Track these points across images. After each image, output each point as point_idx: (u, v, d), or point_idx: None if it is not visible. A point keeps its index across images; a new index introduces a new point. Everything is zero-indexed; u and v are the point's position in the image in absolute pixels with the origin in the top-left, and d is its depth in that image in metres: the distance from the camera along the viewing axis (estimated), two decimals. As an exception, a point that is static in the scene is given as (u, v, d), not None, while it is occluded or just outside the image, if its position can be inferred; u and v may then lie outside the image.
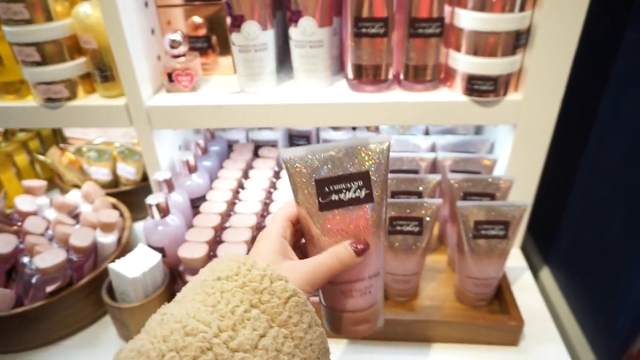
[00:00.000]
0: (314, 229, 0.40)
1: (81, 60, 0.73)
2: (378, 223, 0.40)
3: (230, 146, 0.96)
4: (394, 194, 0.71)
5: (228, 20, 0.68)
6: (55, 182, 0.98)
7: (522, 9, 0.61)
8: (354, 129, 0.93)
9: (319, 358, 0.35)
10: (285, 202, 0.42)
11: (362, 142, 0.41)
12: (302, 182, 0.40)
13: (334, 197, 0.39)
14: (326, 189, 0.39)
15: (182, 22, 0.78)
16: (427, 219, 0.65)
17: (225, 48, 0.80)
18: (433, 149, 0.82)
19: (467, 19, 0.63)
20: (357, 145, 0.40)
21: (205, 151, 0.88)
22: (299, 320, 0.34)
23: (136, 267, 0.66)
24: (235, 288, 0.33)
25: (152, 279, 0.68)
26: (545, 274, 0.82)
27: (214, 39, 0.79)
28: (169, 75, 0.74)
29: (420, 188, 0.71)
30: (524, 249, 0.84)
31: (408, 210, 0.65)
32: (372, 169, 0.40)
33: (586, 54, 0.66)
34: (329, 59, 0.72)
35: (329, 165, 0.40)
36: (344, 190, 0.39)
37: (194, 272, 0.67)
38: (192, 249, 0.67)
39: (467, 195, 0.70)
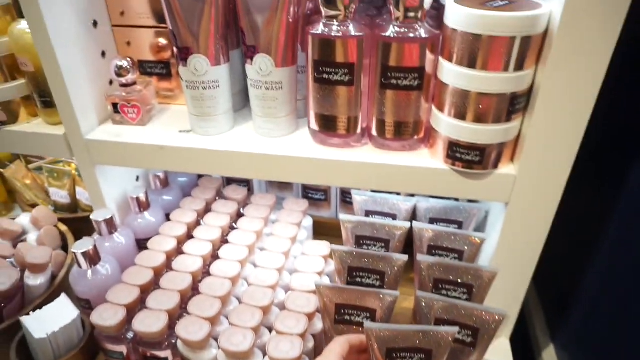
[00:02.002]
0: None
1: (22, 81, 0.66)
2: None
3: (200, 177, 0.87)
4: (352, 270, 0.60)
5: (174, 51, 0.58)
6: (17, 197, 0.93)
7: (520, 67, 0.48)
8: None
9: None
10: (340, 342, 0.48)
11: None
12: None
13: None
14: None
15: (145, 43, 0.69)
16: (383, 309, 0.54)
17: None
18: (414, 213, 0.70)
19: (452, 75, 0.51)
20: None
21: (166, 184, 0.79)
22: None
23: (49, 323, 0.59)
24: None
25: (66, 338, 0.60)
26: (550, 353, 0.69)
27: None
28: (114, 106, 0.65)
29: (384, 268, 0.59)
30: (522, 330, 0.70)
31: (357, 300, 0.54)
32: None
33: (602, 116, 0.52)
34: (290, 102, 0.61)
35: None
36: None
37: (111, 340, 0.59)
38: (109, 312, 0.58)
39: (438, 283, 0.58)
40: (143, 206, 0.73)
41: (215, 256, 0.68)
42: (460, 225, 0.68)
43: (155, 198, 0.78)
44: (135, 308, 0.60)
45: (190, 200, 0.77)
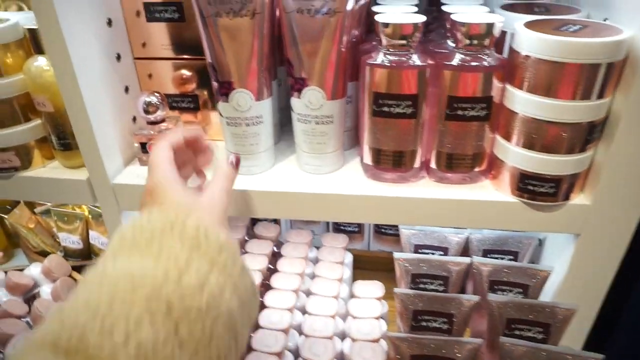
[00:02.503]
0: None
1: (37, 121, 0.60)
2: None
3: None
4: (417, 313, 0.55)
5: (214, 85, 0.53)
6: (21, 243, 0.85)
7: (601, 94, 0.45)
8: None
9: (251, 299, 0.38)
10: (161, 149, 0.44)
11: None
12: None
13: None
14: None
15: (168, 75, 0.64)
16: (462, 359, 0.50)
17: (207, 107, 0.65)
18: (467, 245, 0.66)
19: (526, 103, 0.47)
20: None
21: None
22: (233, 264, 0.36)
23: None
24: (173, 241, 0.34)
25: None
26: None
27: (204, 95, 0.65)
28: (142, 145, 0.60)
29: (453, 310, 0.55)
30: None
31: (435, 349, 0.50)
32: None
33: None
34: (340, 136, 0.57)
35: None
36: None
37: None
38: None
39: (511, 323, 0.54)
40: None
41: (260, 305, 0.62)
42: (515, 256, 0.65)
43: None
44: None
45: (220, 241, 0.71)
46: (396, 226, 0.80)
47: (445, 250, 0.66)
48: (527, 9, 0.56)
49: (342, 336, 0.58)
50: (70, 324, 0.28)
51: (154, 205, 0.41)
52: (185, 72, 0.64)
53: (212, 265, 0.34)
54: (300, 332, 0.57)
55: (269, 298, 0.61)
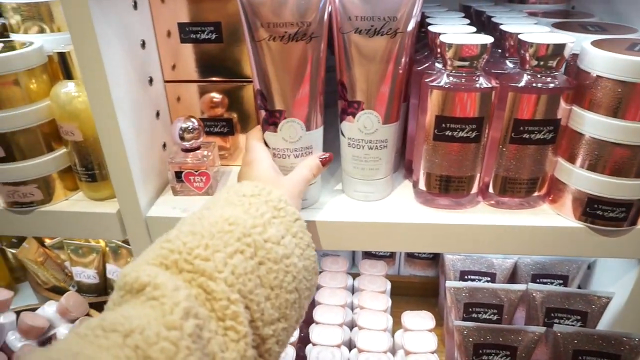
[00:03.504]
0: None
1: (61, 151, 0.55)
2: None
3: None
4: (478, 347, 0.52)
5: (262, 114, 0.50)
6: (29, 278, 0.79)
7: (676, 115, 0.44)
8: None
9: (312, 272, 0.41)
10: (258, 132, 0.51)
11: None
12: None
13: None
14: None
15: (196, 97, 0.61)
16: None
17: (247, 128, 0.62)
18: (514, 270, 0.64)
19: (592, 125, 0.46)
20: None
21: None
22: (302, 238, 0.41)
23: None
24: (260, 202, 0.40)
25: None
26: None
27: (234, 118, 0.61)
28: (177, 174, 0.56)
29: (516, 342, 0.52)
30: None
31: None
32: None
33: None
34: (391, 161, 0.54)
35: None
36: None
37: None
38: None
39: (578, 355, 0.52)
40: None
41: (302, 340, 0.58)
42: (565, 280, 0.63)
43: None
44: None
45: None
46: (429, 250, 0.78)
47: (492, 276, 0.63)
48: (582, 28, 0.54)
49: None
50: (178, 246, 0.34)
51: (248, 178, 0.47)
52: (216, 96, 0.61)
53: (287, 230, 0.40)
54: (354, 372, 0.53)
55: (316, 334, 0.57)
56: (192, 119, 0.55)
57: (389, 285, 0.68)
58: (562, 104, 0.47)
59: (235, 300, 0.33)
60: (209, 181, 0.56)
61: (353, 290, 0.70)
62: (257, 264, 0.36)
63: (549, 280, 0.63)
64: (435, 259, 0.78)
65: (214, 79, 0.59)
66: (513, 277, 0.64)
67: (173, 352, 0.27)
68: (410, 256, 0.78)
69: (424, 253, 0.78)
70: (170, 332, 0.28)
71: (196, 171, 0.55)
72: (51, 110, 0.53)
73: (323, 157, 0.51)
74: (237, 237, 0.36)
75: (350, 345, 0.60)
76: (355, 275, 0.73)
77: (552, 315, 0.57)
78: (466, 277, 0.63)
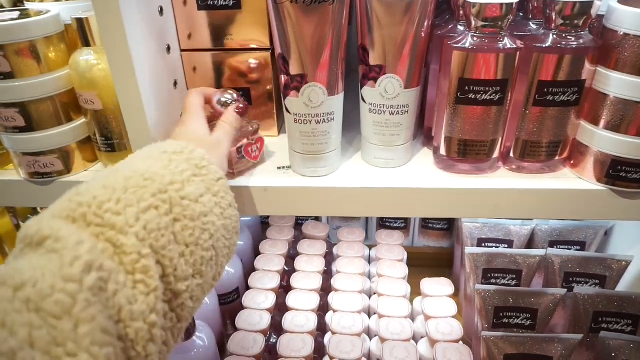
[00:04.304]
0: None
1: (80, 121, 0.55)
2: None
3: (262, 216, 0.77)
4: (499, 310, 0.53)
5: (282, 79, 0.50)
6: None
7: (703, 73, 0.43)
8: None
9: (232, 232, 0.42)
10: (195, 94, 0.50)
11: None
12: None
13: None
14: None
15: (211, 67, 0.60)
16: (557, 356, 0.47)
17: (263, 98, 0.61)
18: (532, 237, 0.64)
19: (618, 85, 0.45)
20: None
21: (235, 227, 0.70)
22: (224, 197, 0.42)
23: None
24: (181, 159, 0.40)
25: None
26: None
27: (252, 88, 0.61)
28: (238, 150, 0.53)
29: (537, 305, 0.52)
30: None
31: (532, 348, 0.47)
32: None
33: None
34: (412, 127, 0.54)
35: None
36: None
37: None
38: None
39: (599, 316, 0.52)
40: (221, 255, 0.63)
41: (322, 307, 0.59)
42: (582, 246, 0.63)
43: (227, 243, 0.68)
44: (256, 384, 0.51)
45: (270, 244, 0.68)
46: (444, 221, 0.78)
47: (510, 243, 0.64)
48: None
49: (417, 339, 0.55)
50: (88, 200, 0.33)
51: (178, 137, 0.46)
52: (232, 65, 0.60)
53: (208, 189, 0.40)
54: (374, 336, 0.54)
55: (335, 301, 0.57)
56: (230, 91, 0.53)
57: (405, 254, 0.68)
58: (587, 65, 0.46)
59: (147, 254, 0.32)
60: (263, 144, 0.55)
61: (369, 261, 0.70)
62: (172, 221, 0.35)
63: (566, 246, 0.63)
64: (449, 230, 0.78)
65: (230, 47, 0.58)
66: (530, 244, 0.64)
67: (69, 305, 0.26)
68: (425, 227, 0.79)
69: (439, 224, 0.78)
70: (67, 285, 0.27)
71: (252, 140, 0.54)
72: (70, 79, 0.52)
73: (238, 108, 0.51)
74: (153, 192, 0.35)
75: (370, 312, 0.61)
76: (370, 247, 0.73)
77: (571, 280, 0.57)
78: (483, 244, 0.63)
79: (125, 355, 0.30)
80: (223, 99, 0.52)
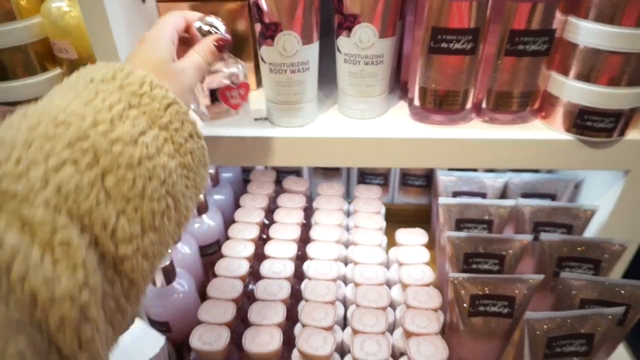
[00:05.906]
0: None
1: (56, 71, 0.55)
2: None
3: (245, 171, 0.78)
4: (468, 256, 0.55)
5: (257, 28, 0.50)
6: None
7: (670, 22, 0.44)
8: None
9: (197, 167, 0.36)
10: (175, 14, 0.42)
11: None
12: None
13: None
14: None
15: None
16: (521, 296, 0.50)
17: (241, 51, 0.61)
18: (505, 189, 0.66)
19: (587, 34, 0.46)
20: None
21: (217, 182, 0.71)
22: (180, 127, 0.34)
23: (135, 356, 0.50)
24: (112, 89, 0.31)
25: (154, 369, 0.51)
26: None
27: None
28: (212, 93, 0.46)
29: (504, 251, 0.54)
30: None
31: (495, 288, 0.50)
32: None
33: None
34: (387, 78, 0.54)
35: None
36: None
37: (210, 363, 0.51)
38: (208, 335, 0.50)
39: (562, 261, 0.55)
40: (202, 208, 0.65)
41: (300, 257, 0.61)
42: (553, 198, 0.65)
43: (208, 198, 0.69)
44: (233, 326, 0.53)
45: (250, 197, 0.69)
46: (422, 177, 0.80)
47: (483, 196, 0.66)
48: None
49: (390, 284, 0.58)
50: None
51: (131, 59, 0.37)
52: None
53: (152, 122, 0.32)
54: (349, 282, 0.56)
55: (312, 250, 0.59)
56: (215, 18, 0.45)
57: (383, 208, 0.70)
58: (558, 14, 0.47)
59: (64, 225, 0.25)
60: (248, 92, 0.48)
61: (348, 215, 0.72)
62: (99, 175, 0.28)
63: (537, 199, 0.65)
64: (428, 186, 0.80)
65: (205, -2, 0.58)
66: (503, 196, 0.66)
67: None
68: (404, 184, 0.80)
69: (417, 180, 0.80)
70: None
71: (234, 83, 0.47)
72: (43, 28, 0.52)
73: (217, 40, 0.43)
74: (68, 142, 0.27)
75: (347, 262, 0.63)
76: (350, 203, 0.75)
77: (539, 229, 0.59)
78: (457, 196, 0.65)
79: (48, 347, 0.24)
80: (205, 27, 0.44)
